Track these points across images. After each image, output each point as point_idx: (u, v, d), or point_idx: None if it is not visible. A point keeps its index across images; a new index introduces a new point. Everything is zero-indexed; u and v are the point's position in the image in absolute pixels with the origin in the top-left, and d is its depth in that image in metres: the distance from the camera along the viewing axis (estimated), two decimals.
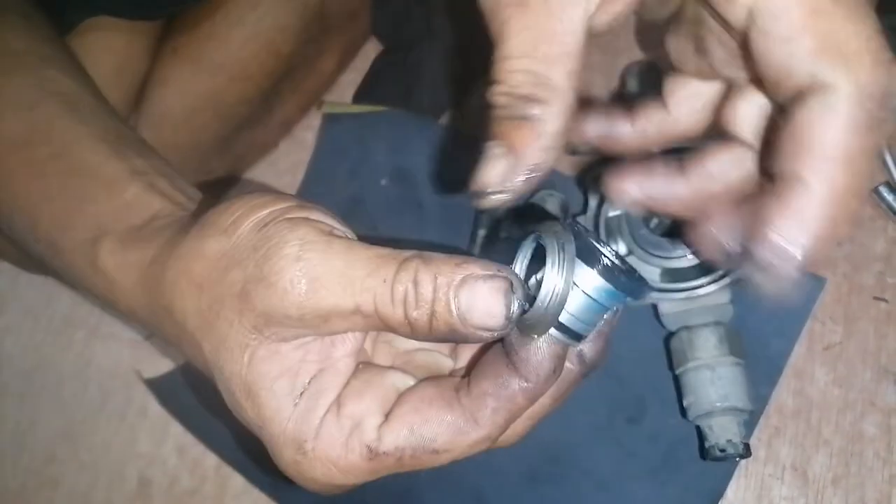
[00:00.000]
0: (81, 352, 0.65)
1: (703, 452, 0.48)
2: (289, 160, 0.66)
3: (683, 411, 0.49)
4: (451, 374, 0.33)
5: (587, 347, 0.30)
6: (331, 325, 0.28)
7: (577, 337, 0.29)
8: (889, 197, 0.53)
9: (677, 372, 0.49)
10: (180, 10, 0.58)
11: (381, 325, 0.28)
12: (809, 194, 0.28)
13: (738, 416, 0.47)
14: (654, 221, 0.51)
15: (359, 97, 0.66)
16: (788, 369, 0.52)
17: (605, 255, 0.28)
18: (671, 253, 0.49)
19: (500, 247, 0.54)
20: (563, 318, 0.28)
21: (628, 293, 0.28)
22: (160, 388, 0.60)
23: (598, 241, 0.28)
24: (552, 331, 0.28)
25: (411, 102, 0.63)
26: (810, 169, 0.28)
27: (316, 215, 0.30)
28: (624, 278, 0.28)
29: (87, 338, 0.65)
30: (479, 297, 0.26)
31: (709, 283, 0.48)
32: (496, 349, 0.30)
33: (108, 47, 0.55)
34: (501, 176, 0.29)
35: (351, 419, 0.29)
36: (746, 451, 0.46)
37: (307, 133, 0.67)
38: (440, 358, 0.34)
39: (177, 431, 0.60)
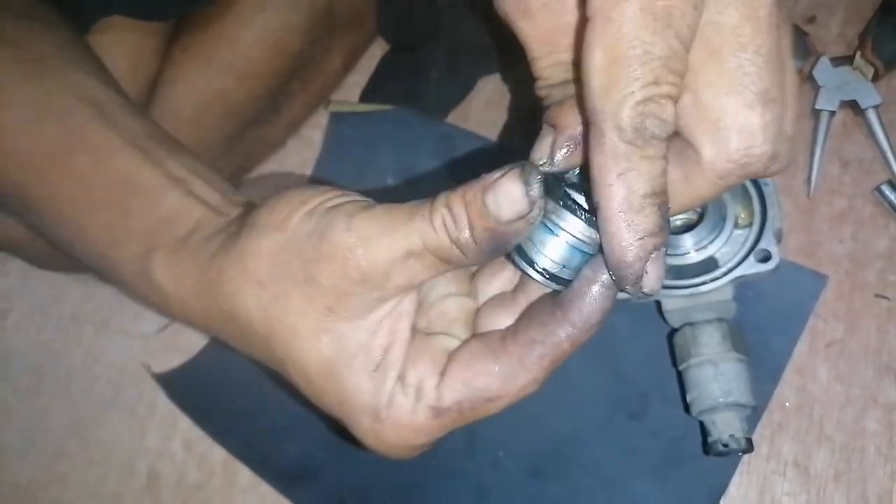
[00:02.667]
0: (90, 347, 0.65)
1: (706, 448, 0.48)
2: (296, 158, 0.67)
3: (686, 407, 0.49)
4: (477, 313, 0.36)
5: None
6: (392, 279, 0.31)
7: (562, 283, 0.32)
8: (891, 195, 0.54)
9: (680, 368, 0.49)
10: (192, 11, 0.58)
11: (435, 260, 0.31)
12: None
13: (740, 411, 0.47)
14: None
15: (365, 96, 0.67)
16: (790, 366, 0.52)
17: (579, 207, 0.30)
18: (675, 250, 0.49)
19: None
20: (548, 264, 0.31)
21: None
22: (169, 382, 0.61)
23: (576, 188, 0.31)
24: (537, 276, 0.31)
25: (417, 102, 0.64)
26: None
27: (355, 197, 0.32)
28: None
29: (96, 333, 0.66)
30: (500, 191, 0.29)
31: (712, 281, 0.48)
32: (541, 303, 0.33)
33: (121, 47, 0.56)
34: (548, 150, 0.32)
35: (413, 386, 0.32)
36: (749, 447, 0.47)
37: (314, 132, 0.67)
38: (462, 300, 0.36)
39: (185, 426, 0.61)
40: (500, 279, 0.36)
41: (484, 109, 0.64)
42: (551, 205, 0.30)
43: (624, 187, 0.27)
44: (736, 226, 0.49)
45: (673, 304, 0.49)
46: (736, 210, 0.50)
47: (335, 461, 0.56)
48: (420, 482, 0.55)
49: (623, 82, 0.27)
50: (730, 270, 0.48)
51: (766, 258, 0.48)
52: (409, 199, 0.62)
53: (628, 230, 0.28)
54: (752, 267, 0.48)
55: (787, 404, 0.52)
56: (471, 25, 0.64)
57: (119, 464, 0.62)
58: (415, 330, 0.34)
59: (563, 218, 0.30)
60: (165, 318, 0.64)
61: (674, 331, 0.50)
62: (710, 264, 0.49)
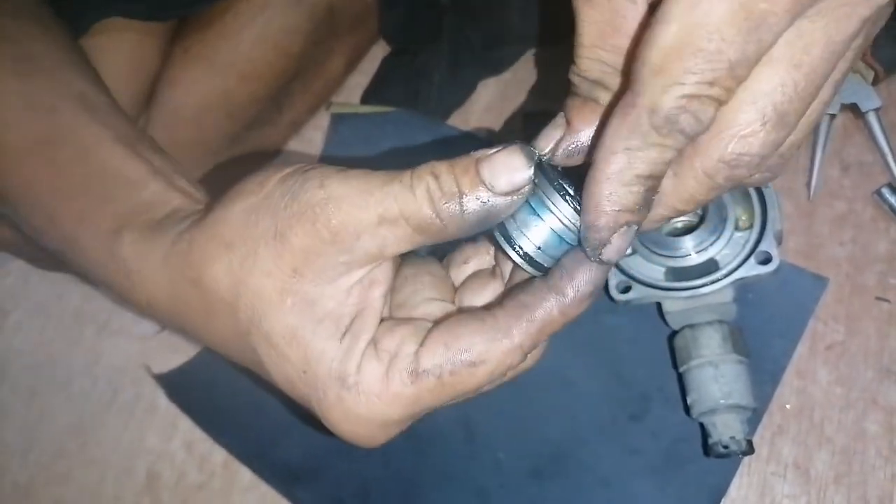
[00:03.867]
0: (91, 348, 0.65)
1: (706, 449, 0.48)
2: (297, 159, 0.67)
3: (687, 409, 0.49)
4: (457, 291, 0.36)
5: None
6: (363, 243, 0.30)
7: (540, 269, 0.32)
8: (891, 198, 0.54)
9: (681, 370, 0.49)
10: (194, 13, 0.58)
11: (410, 230, 0.30)
12: None
13: (741, 413, 0.47)
14: None
15: (367, 98, 0.67)
16: (791, 369, 0.52)
17: (568, 194, 0.30)
18: (675, 252, 0.49)
19: None
20: (528, 246, 0.31)
21: None
22: (169, 383, 0.61)
23: (561, 178, 0.31)
24: (515, 257, 0.31)
25: (419, 104, 0.64)
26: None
27: (327, 166, 0.32)
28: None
29: (96, 334, 0.66)
30: (498, 162, 0.29)
31: (712, 282, 0.48)
32: (529, 282, 0.32)
33: (122, 48, 0.56)
34: (553, 144, 0.32)
35: (388, 351, 0.31)
36: (749, 448, 0.47)
37: (315, 133, 0.67)
38: (447, 307, 0.35)
39: (185, 426, 0.61)
40: (487, 292, 0.35)
41: (485, 111, 0.65)
42: (541, 188, 0.30)
43: (624, 161, 0.27)
44: (736, 228, 0.49)
45: (673, 305, 0.49)
46: (736, 212, 0.50)
47: (335, 462, 0.56)
48: (420, 483, 0.54)
49: (679, 71, 0.26)
50: (730, 272, 0.48)
51: (766, 260, 0.48)
52: None
53: (609, 199, 0.28)
54: (752, 269, 0.48)
55: (788, 406, 0.52)
56: (472, 28, 0.64)
57: (119, 464, 0.61)
58: (391, 310, 0.34)
59: (551, 202, 0.30)
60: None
61: (674, 332, 0.50)
62: (710, 266, 0.49)
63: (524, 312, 0.31)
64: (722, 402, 0.47)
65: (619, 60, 0.30)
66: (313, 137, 0.67)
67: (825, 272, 0.53)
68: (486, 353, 0.30)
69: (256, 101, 0.62)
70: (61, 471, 0.62)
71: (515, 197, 0.29)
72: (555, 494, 0.52)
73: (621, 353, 0.54)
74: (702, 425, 0.49)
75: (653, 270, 0.50)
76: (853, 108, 0.56)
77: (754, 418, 0.49)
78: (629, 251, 0.47)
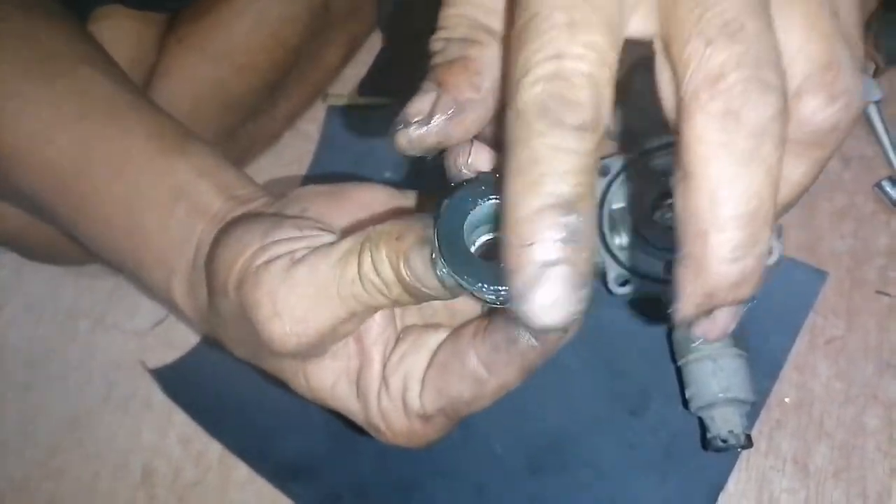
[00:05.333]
0: (86, 342, 0.65)
1: (705, 443, 0.48)
2: (293, 152, 0.66)
3: (685, 403, 0.49)
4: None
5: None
6: (340, 332, 0.32)
7: (505, 301, 0.29)
8: (891, 191, 0.53)
9: (679, 363, 0.49)
10: (189, 3, 0.58)
11: (376, 310, 0.31)
12: None
13: (739, 407, 0.47)
14: (658, 214, 0.51)
15: (363, 90, 0.66)
16: (790, 363, 0.52)
17: (465, 276, 0.27)
18: (674, 245, 0.49)
19: None
20: (492, 294, 0.28)
21: None
22: (165, 378, 0.61)
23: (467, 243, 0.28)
24: (487, 303, 0.29)
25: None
26: None
27: (277, 250, 0.32)
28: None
29: (91, 328, 0.65)
30: (419, 269, 0.28)
31: None
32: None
33: (118, 37, 0.55)
34: (426, 108, 0.26)
35: (399, 395, 0.33)
36: (748, 442, 0.47)
37: (311, 125, 0.67)
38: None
39: (181, 422, 0.60)
40: None
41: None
42: (463, 279, 0.27)
43: (522, 179, 0.21)
44: None
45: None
46: None
47: (333, 457, 0.55)
48: (418, 478, 0.54)
49: (525, 52, 0.21)
50: None
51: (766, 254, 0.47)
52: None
53: (516, 232, 0.20)
54: None
55: (787, 401, 0.52)
56: None
57: (114, 459, 0.61)
58: (403, 330, 0.34)
59: (477, 296, 0.28)
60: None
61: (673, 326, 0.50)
62: None
63: (500, 356, 0.31)
64: (720, 395, 0.47)
65: (487, 18, 0.26)
66: (309, 129, 0.67)
67: (825, 266, 0.53)
68: (476, 394, 0.32)
69: (252, 92, 0.61)
70: (57, 466, 0.62)
71: (445, 294, 0.29)
72: (553, 489, 0.52)
73: (620, 347, 0.53)
74: (700, 419, 0.49)
75: (651, 264, 0.50)
76: None
77: (753, 412, 0.49)
78: (628, 243, 0.44)
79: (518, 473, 0.53)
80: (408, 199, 0.37)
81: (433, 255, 0.27)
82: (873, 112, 0.55)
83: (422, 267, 0.28)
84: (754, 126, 0.20)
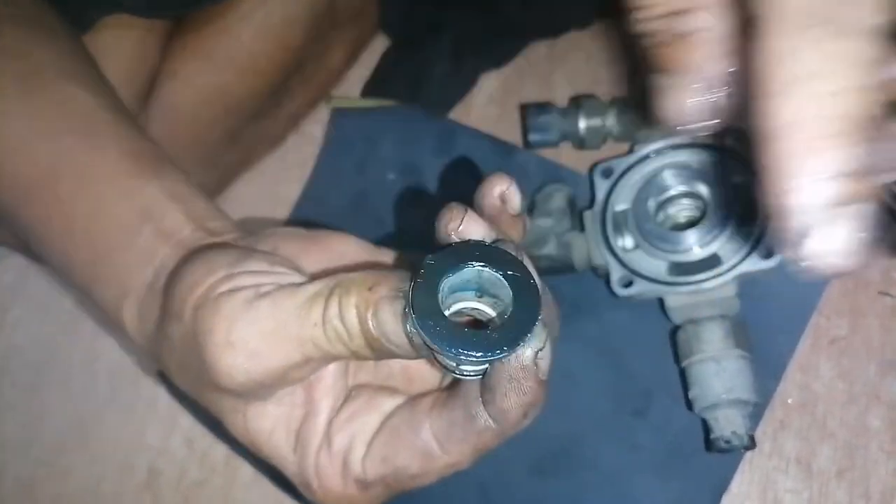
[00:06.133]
0: (90, 344, 0.65)
1: (708, 445, 0.48)
2: (297, 154, 0.67)
3: (689, 404, 0.49)
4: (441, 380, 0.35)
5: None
6: (291, 376, 0.31)
7: (475, 376, 0.29)
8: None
9: (683, 365, 0.49)
10: (197, 9, 0.58)
11: (335, 358, 0.30)
12: None
13: (743, 408, 0.47)
14: (661, 215, 0.51)
15: (367, 92, 0.66)
16: (793, 363, 0.52)
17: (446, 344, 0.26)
18: (678, 247, 0.49)
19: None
20: (452, 365, 0.28)
21: (489, 354, 0.26)
22: (170, 379, 0.61)
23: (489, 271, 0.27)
24: (446, 372, 0.29)
25: (419, 97, 0.63)
26: None
27: (242, 281, 0.31)
28: (475, 346, 0.25)
29: (96, 330, 0.65)
30: (387, 322, 0.27)
31: (715, 277, 0.48)
32: (467, 389, 0.30)
33: (122, 44, 0.56)
34: (681, 104, 0.22)
35: (339, 455, 0.32)
36: (751, 443, 0.47)
37: (315, 127, 0.67)
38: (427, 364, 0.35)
39: (186, 423, 0.61)
40: None
41: (486, 105, 0.64)
42: (433, 341, 0.26)
43: (800, 100, 0.18)
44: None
45: (676, 300, 0.49)
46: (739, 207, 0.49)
47: None
48: None
49: None
50: (733, 267, 0.48)
51: (769, 254, 0.48)
52: (411, 194, 0.61)
53: (802, 165, 0.18)
54: (755, 263, 0.48)
55: (790, 401, 0.52)
56: (474, 21, 0.64)
57: (119, 461, 0.61)
58: (355, 388, 0.34)
59: (441, 360, 0.28)
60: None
61: (676, 328, 0.50)
62: (713, 261, 0.49)
63: (456, 432, 0.30)
64: (724, 396, 0.47)
65: None
66: (313, 131, 0.67)
67: None
68: (423, 468, 0.31)
69: (256, 95, 0.61)
70: (62, 467, 0.62)
71: (412, 353, 0.28)
72: (556, 490, 0.52)
73: (623, 348, 0.54)
74: (704, 420, 0.49)
75: (655, 265, 0.50)
76: None
77: (756, 413, 0.49)
78: (632, 244, 0.43)
79: (521, 474, 0.53)
80: (384, 256, 0.36)
81: (405, 310, 0.27)
82: None
83: (391, 320, 0.27)
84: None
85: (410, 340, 0.27)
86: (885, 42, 0.18)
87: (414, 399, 0.33)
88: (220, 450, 0.59)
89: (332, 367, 0.32)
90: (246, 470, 0.58)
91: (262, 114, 0.63)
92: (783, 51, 0.18)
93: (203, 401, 0.34)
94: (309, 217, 0.64)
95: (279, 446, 0.32)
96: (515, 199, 0.31)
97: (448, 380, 0.34)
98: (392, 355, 0.29)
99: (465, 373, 0.28)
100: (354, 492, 0.32)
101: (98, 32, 0.52)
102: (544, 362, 0.27)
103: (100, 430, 0.62)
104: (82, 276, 0.40)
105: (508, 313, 0.26)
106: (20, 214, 0.41)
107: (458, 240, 0.28)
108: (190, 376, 0.33)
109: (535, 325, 0.26)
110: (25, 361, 0.66)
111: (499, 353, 0.26)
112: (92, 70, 0.45)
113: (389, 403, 0.33)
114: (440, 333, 0.25)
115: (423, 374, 0.35)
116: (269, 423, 0.32)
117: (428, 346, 0.26)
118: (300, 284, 0.30)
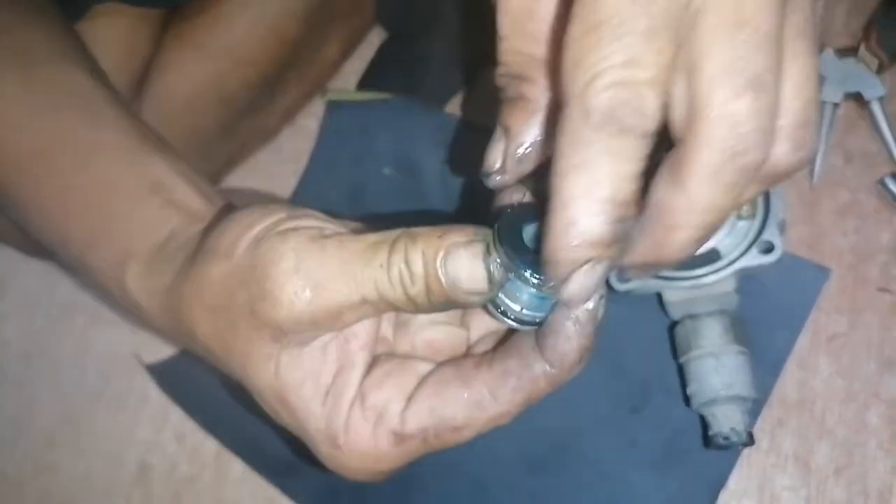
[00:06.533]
0: (81, 337, 0.64)
1: (707, 441, 0.47)
2: (292, 147, 0.66)
3: (687, 400, 0.48)
4: (468, 348, 0.35)
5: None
6: (343, 318, 0.30)
7: (532, 324, 0.30)
8: (895, 188, 0.53)
9: (681, 360, 0.49)
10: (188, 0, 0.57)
11: (388, 307, 0.30)
12: None
13: (741, 404, 0.47)
14: None
15: (363, 85, 0.66)
16: (792, 360, 0.51)
17: (532, 266, 0.28)
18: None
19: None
20: (518, 311, 0.30)
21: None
22: (160, 373, 0.60)
23: (528, 237, 0.29)
24: (509, 322, 0.30)
25: (416, 90, 0.63)
26: None
27: (306, 222, 0.31)
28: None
29: (87, 324, 0.65)
30: (462, 263, 0.28)
31: (714, 272, 0.48)
32: (524, 332, 0.31)
33: (115, 33, 0.55)
34: (499, 158, 0.31)
35: (374, 409, 0.31)
36: (750, 439, 0.46)
37: (310, 120, 0.66)
38: (454, 331, 0.35)
39: (177, 418, 0.60)
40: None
41: (483, 98, 0.64)
42: (508, 262, 0.29)
43: (578, 181, 0.24)
44: (739, 217, 0.49)
45: (674, 295, 0.49)
46: None
47: None
48: (417, 474, 0.54)
49: (595, 57, 0.23)
50: (732, 262, 0.47)
51: (769, 250, 0.47)
52: (407, 188, 0.61)
53: (565, 230, 0.24)
54: (754, 258, 0.47)
55: (789, 398, 0.51)
56: (470, 14, 0.63)
57: (109, 455, 0.61)
58: (386, 348, 0.33)
59: (519, 274, 0.29)
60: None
61: (675, 323, 0.50)
62: (712, 256, 0.48)
63: (510, 381, 0.30)
64: (722, 392, 0.46)
65: (538, 49, 0.29)
66: (308, 125, 0.66)
67: (828, 262, 0.53)
68: (471, 419, 0.31)
69: (250, 86, 0.61)
70: (51, 462, 0.62)
71: (479, 298, 0.29)
72: (553, 487, 0.52)
73: (621, 343, 0.53)
74: (702, 417, 0.48)
75: None
76: (857, 97, 0.55)
77: (754, 410, 0.49)
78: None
79: (518, 471, 0.53)
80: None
81: (491, 246, 0.28)
82: (877, 108, 0.54)
83: (468, 260, 0.28)
84: (745, 166, 0.24)
85: (491, 278, 0.28)
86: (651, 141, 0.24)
87: (457, 360, 0.33)
88: (211, 445, 0.59)
89: (366, 327, 0.31)
90: (237, 465, 0.58)
91: (257, 106, 0.63)
92: (576, 142, 0.24)
93: (231, 349, 0.32)
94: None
95: (308, 398, 0.31)
96: None
97: (478, 349, 0.34)
98: (447, 302, 0.29)
99: (526, 319, 0.30)
100: (385, 446, 0.31)
101: (90, 20, 0.51)
102: (601, 311, 0.30)
103: (90, 425, 0.62)
104: (79, 243, 0.39)
105: None
106: (13, 192, 0.40)
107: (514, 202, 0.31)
108: (226, 318, 0.31)
109: None
110: (14, 355, 0.65)
111: None
112: (84, 53, 0.45)
113: (424, 366, 0.33)
114: (531, 261, 0.28)
115: (449, 344, 0.35)
116: (301, 373, 0.31)
117: (521, 278, 0.28)
118: (361, 232, 0.31)
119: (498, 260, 0.28)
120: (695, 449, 0.49)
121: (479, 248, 0.28)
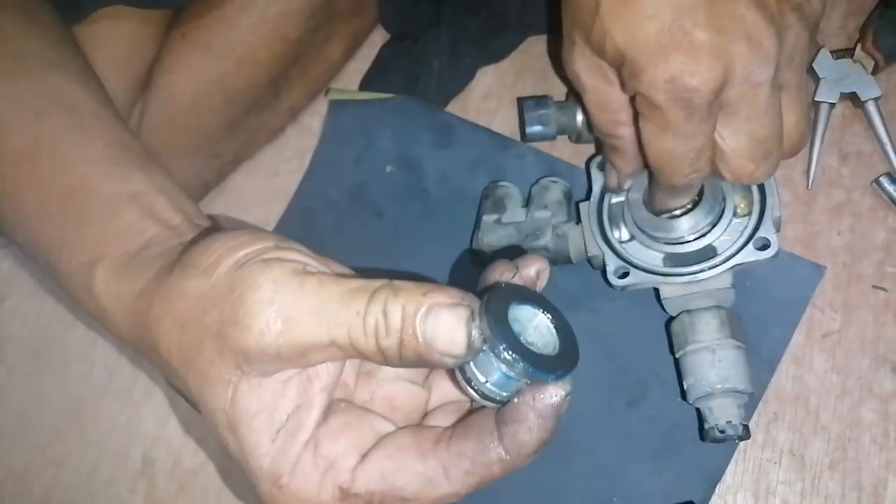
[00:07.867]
0: (87, 331, 0.65)
1: (703, 434, 0.48)
2: (295, 146, 0.67)
3: (684, 394, 0.49)
4: (425, 414, 0.35)
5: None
6: (309, 358, 0.30)
7: (495, 401, 0.31)
8: (889, 188, 0.54)
9: (678, 355, 0.49)
10: (193, 1, 0.58)
11: (356, 353, 0.30)
12: None
13: (738, 398, 0.47)
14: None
15: (365, 84, 0.66)
16: (787, 356, 0.52)
17: (510, 348, 0.29)
18: (672, 236, 0.49)
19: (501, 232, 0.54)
20: (483, 386, 0.30)
21: (538, 372, 0.30)
22: None
23: (541, 306, 0.31)
24: (472, 393, 0.30)
25: (418, 90, 0.64)
26: None
27: (291, 255, 0.31)
28: (530, 361, 0.29)
29: (93, 319, 0.65)
30: (442, 324, 0.28)
31: (710, 268, 0.48)
32: (485, 412, 0.31)
33: (119, 35, 0.56)
34: (614, 181, 0.51)
35: (326, 459, 0.31)
36: (746, 433, 0.47)
37: (314, 119, 0.67)
38: (415, 390, 0.35)
39: (181, 411, 0.61)
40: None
41: (483, 99, 0.64)
42: (487, 337, 0.29)
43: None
44: (735, 214, 0.49)
45: (671, 291, 0.49)
46: (735, 199, 0.50)
47: None
48: None
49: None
50: (728, 258, 0.48)
51: (764, 246, 0.48)
52: (408, 186, 0.62)
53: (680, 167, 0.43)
54: (750, 255, 0.48)
55: (784, 393, 0.52)
56: (471, 15, 0.64)
57: (114, 448, 0.61)
58: (347, 394, 0.33)
59: (496, 353, 0.29)
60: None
61: (672, 318, 0.50)
62: (708, 252, 0.49)
63: (465, 463, 0.30)
64: (719, 386, 0.47)
65: (615, 116, 0.46)
66: (312, 124, 0.67)
67: (823, 260, 0.53)
68: (421, 493, 0.30)
69: (254, 86, 0.62)
70: (57, 454, 0.62)
71: (454, 361, 0.29)
72: (551, 480, 0.53)
73: (618, 339, 0.54)
74: (698, 410, 0.49)
75: (651, 256, 0.50)
76: (853, 98, 0.56)
77: (750, 405, 0.49)
78: (627, 236, 0.49)
79: None
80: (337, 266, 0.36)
81: (475, 314, 0.29)
82: (872, 109, 0.55)
83: (450, 323, 0.28)
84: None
85: (470, 344, 0.28)
86: None
87: (417, 429, 0.33)
88: None
89: (329, 370, 0.31)
90: None
91: (261, 105, 0.64)
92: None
93: (191, 366, 0.31)
94: (307, 209, 0.64)
95: (259, 430, 0.30)
96: (545, 279, 0.35)
97: (436, 417, 0.35)
98: (418, 359, 0.29)
99: (489, 394, 0.30)
100: (329, 498, 0.30)
101: (94, 22, 0.52)
102: (565, 406, 0.30)
103: (95, 418, 0.62)
104: (50, 243, 0.39)
105: (556, 351, 0.31)
106: None
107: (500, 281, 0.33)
108: (192, 335, 0.31)
109: (576, 365, 0.31)
110: (22, 350, 0.66)
111: (552, 376, 0.30)
112: (79, 62, 0.45)
113: (384, 425, 0.33)
114: (511, 341, 0.29)
115: (409, 403, 0.35)
116: (256, 404, 0.30)
117: (496, 353, 0.29)
118: (344, 276, 0.31)
119: (478, 329, 0.29)
120: (691, 443, 0.50)
121: (463, 313, 0.28)
